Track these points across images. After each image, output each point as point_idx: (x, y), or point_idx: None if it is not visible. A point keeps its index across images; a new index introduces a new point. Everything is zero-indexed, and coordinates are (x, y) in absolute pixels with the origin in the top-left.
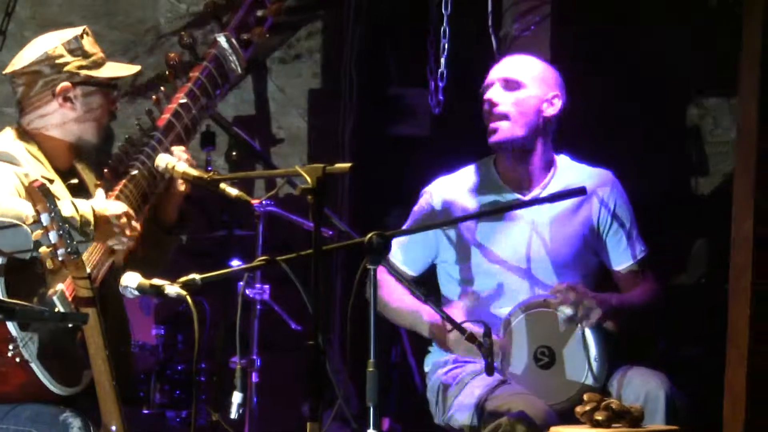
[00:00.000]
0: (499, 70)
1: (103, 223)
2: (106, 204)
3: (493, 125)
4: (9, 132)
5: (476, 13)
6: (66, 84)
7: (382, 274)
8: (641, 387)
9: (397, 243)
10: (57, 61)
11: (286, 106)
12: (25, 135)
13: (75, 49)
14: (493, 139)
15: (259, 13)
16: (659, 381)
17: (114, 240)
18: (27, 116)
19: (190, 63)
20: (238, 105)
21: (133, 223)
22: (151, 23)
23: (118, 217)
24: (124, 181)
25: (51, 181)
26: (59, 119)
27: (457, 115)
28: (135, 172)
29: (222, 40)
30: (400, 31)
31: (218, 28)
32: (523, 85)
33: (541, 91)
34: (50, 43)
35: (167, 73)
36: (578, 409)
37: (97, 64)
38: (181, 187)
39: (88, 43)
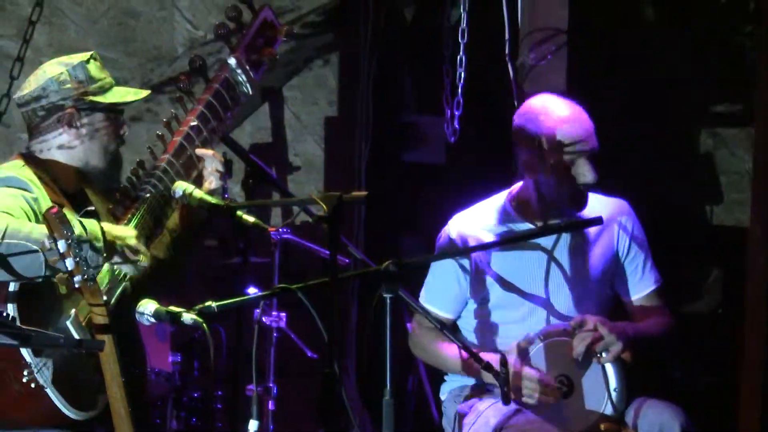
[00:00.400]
0: (587, 137)
1: (111, 246)
2: (113, 227)
3: (580, 198)
4: (17, 159)
5: (493, 42)
6: (70, 110)
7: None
8: (656, 418)
9: (425, 290)
10: (62, 87)
11: (302, 133)
12: (33, 160)
13: (80, 74)
14: (578, 209)
15: (269, 34)
16: (674, 413)
17: (125, 265)
18: (34, 141)
19: (200, 85)
20: (254, 132)
21: (140, 247)
22: (167, 50)
23: (125, 238)
24: (135, 205)
25: (61, 206)
26: (65, 145)
27: (472, 144)
28: (147, 195)
29: (232, 62)
30: (416, 59)
31: (228, 50)
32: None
33: None
34: (55, 69)
35: (177, 96)
36: None
37: (104, 89)
38: (182, 211)
39: (95, 68)
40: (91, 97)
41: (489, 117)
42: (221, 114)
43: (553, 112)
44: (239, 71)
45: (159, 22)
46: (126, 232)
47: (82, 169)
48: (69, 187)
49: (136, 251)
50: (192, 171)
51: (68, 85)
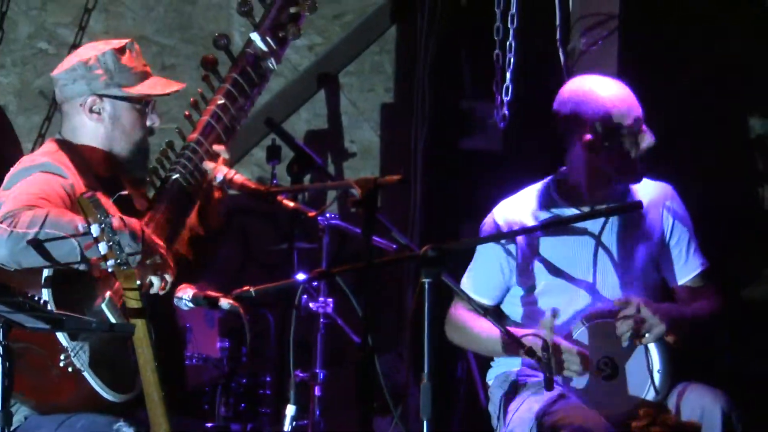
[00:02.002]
0: (633, 109)
1: (149, 244)
2: (151, 233)
3: (640, 169)
4: (51, 143)
5: (545, 26)
6: (93, 97)
7: (460, 312)
8: (697, 402)
9: (467, 278)
10: (88, 73)
11: (359, 120)
12: (66, 145)
13: (109, 62)
14: (638, 180)
15: (293, 9)
16: (716, 397)
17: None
18: (65, 125)
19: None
20: (311, 119)
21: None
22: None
23: (158, 247)
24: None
25: (94, 191)
26: (91, 130)
27: (527, 130)
28: (176, 176)
29: (257, 38)
30: (473, 44)
31: (252, 27)
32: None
33: None
34: (87, 53)
35: (203, 75)
36: (633, 424)
37: (134, 79)
38: (216, 193)
39: (128, 57)
40: (114, 88)
41: (543, 102)
42: (248, 91)
43: (601, 93)
44: (265, 48)
45: (216, 9)
46: (161, 243)
47: (109, 153)
48: (101, 172)
49: (165, 265)
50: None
51: (95, 72)
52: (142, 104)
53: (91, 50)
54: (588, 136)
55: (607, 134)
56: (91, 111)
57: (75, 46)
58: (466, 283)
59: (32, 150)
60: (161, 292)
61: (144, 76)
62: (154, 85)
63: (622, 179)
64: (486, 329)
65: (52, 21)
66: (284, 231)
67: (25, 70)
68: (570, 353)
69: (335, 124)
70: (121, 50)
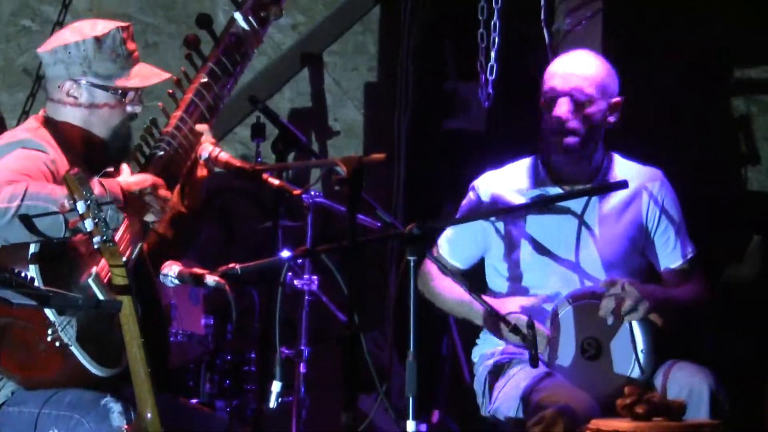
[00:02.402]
0: (566, 81)
1: (133, 199)
2: (130, 179)
3: (564, 142)
4: (33, 120)
5: (529, 7)
6: (70, 82)
7: (433, 267)
8: (685, 381)
9: (444, 237)
10: (68, 58)
11: (342, 99)
12: (49, 122)
13: (89, 51)
14: (561, 153)
15: None
16: (703, 375)
17: (148, 214)
18: (48, 103)
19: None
20: (294, 98)
21: (162, 192)
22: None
23: (146, 188)
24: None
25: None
26: (68, 111)
27: (511, 110)
28: (160, 153)
29: (239, 18)
30: (457, 25)
31: (235, 6)
32: (592, 100)
33: (606, 102)
34: (71, 37)
35: (186, 53)
36: (619, 401)
37: (116, 68)
38: (202, 171)
39: (111, 44)
40: (91, 76)
41: (526, 83)
42: (231, 70)
43: (559, 59)
44: (247, 27)
45: None
46: (143, 179)
47: (88, 133)
48: (84, 151)
49: (160, 196)
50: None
51: (73, 58)
52: (121, 93)
53: (75, 34)
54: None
55: (541, 94)
56: (68, 95)
57: (59, 23)
58: (443, 245)
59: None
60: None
61: (127, 65)
62: (135, 76)
63: (549, 150)
64: (459, 293)
65: None
66: (267, 209)
67: (9, 47)
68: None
69: (319, 102)
70: (103, 38)
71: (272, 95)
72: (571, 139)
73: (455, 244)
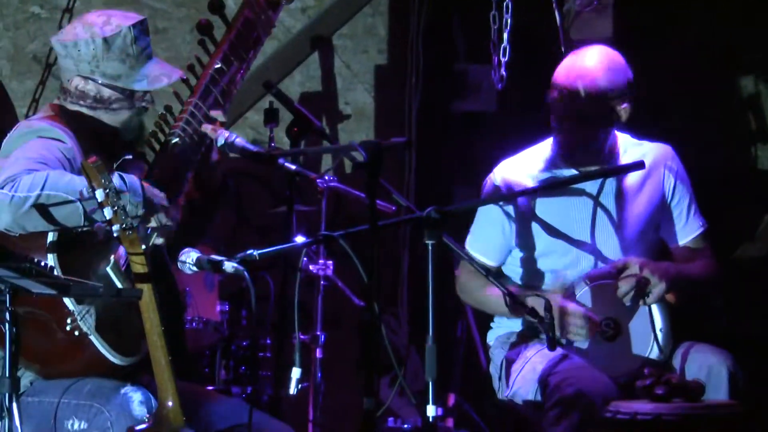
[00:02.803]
0: (573, 82)
1: (149, 200)
2: (150, 186)
3: (571, 155)
4: (49, 108)
5: None
6: (78, 77)
7: (469, 274)
8: (704, 362)
9: (470, 240)
10: (78, 54)
11: (353, 82)
12: (63, 111)
13: (98, 50)
14: (569, 152)
15: None
16: (722, 357)
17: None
18: (62, 91)
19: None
20: (305, 81)
21: (171, 213)
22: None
23: (161, 202)
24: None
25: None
26: (81, 102)
27: (522, 91)
28: (176, 140)
29: (251, 2)
30: (467, 6)
31: None
32: (606, 99)
33: (620, 100)
34: (84, 33)
35: (199, 39)
36: (638, 383)
37: (125, 68)
38: (216, 156)
39: (121, 44)
40: (99, 76)
41: (537, 64)
42: (243, 55)
43: (571, 57)
44: (258, 11)
45: None
46: (163, 196)
47: (100, 123)
48: (98, 140)
49: (168, 214)
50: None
51: (83, 55)
52: (129, 92)
53: (86, 30)
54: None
55: (550, 93)
56: (77, 89)
57: (68, 9)
58: (471, 244)
59: (26, 114)
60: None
61: (137, 64)
62: (144, 77)
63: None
64: (496, 292)
65: None
66: (277, 194)
67: (18, 34)
68: (576, 316)
69: (329, 86)
70: (113, 38)
71: (282, 79)
72: (574, 143)
73: (483, 241)
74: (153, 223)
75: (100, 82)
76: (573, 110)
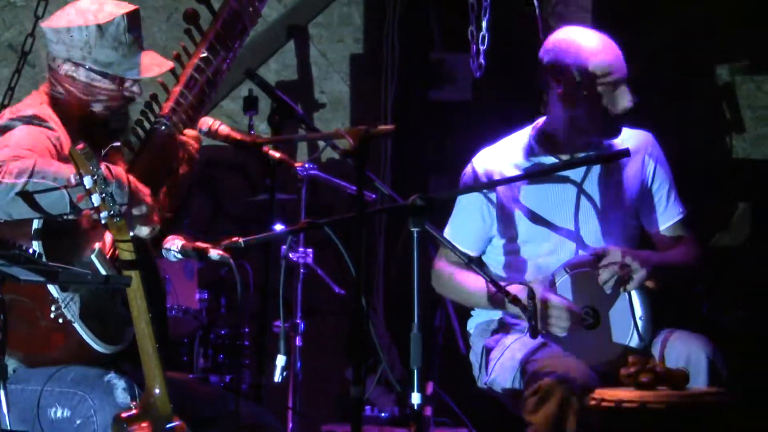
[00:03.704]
0: (622, 67)
1: (134, 192)
2: (137, 181)
3: (617, 126)
4: (36, 95)
5: None
6: (69, 62)
7: (444, 264)
8: (683, 349)
9: (449, 229)
10: (71, 41)
11: (329, 71)
12: (51, 98)
13: (91, 37)
14: (610, 137)
15: None
16: (701, 344)
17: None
18: (49, 78)
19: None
20: (280, 70)
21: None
22: None
23: (145, 199)
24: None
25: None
26: (70, 89)
27: (498, 80)
28: (162, 128)
29: None
30: None
31: None
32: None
33: None
34: (76, 19)
35: (185, 28)
36: (623, 371)
37: (117, 56)
38: (196, 145)
39: (114, 33)
40: (90, 62)
41: (514, 53)
42: (229, 44)
43: (583, 43)
44: (245, 2)
45: None
46: (148, 191)
47: (87, 110)
48: (84, 127)
49: (152, 212)
50: (205, 103)
51: (75, 41)
52: (119, 80)
53: (79, 16)
54: (564, 85)
55: (585, 84)
56: (66, 75)
57: None
58: (449, 234)
59: (2, 103)
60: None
61: (130, 53)
62: (135, 66)
63: (599, 134)
64: (472, 282)
65: None
66: (254, 182)
67: None
68: (559, 309)
69: (305, 75)
70: (106, 25)
71: (258, 67)
72: (620, 125)
73: (462, 230)
74: (136, 212)
75: (89, 68)
76: (621, 77)
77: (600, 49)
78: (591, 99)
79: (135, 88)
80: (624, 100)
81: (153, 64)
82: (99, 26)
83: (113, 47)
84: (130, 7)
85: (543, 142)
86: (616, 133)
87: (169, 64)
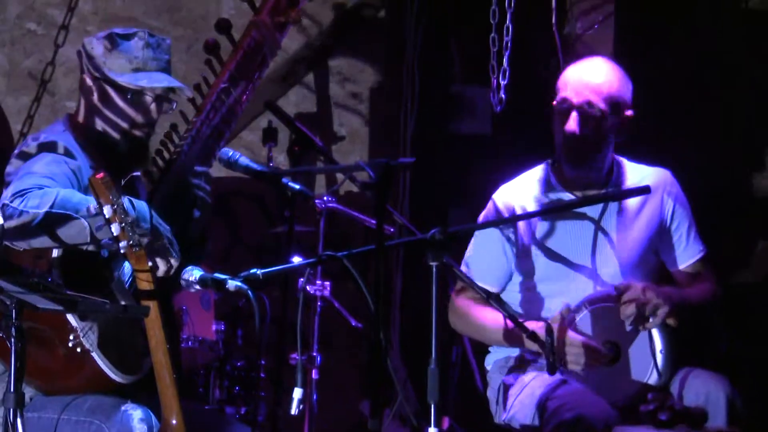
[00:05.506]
0: (578, 94)
1: (155, 225)
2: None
3: (574, 155)
4: (61, 122)
5: (540, 10)
6: (87, 76)
7: (463, 300)
8: (702, 388)
9: (469, 263)
10: (87, 53)
11: (348, 103)
12: (73, 124)
13: (97, 49)
14: (571, 165)
15: None
16: (719, 383)
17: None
18: (76, 103)
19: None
20: (300, 102)
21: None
22: (213, 20)
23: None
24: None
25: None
26: (85, 107)
27: (518, 114)
28: (182, 158)
29: (257, 23)
30: (463, 28)
31: (252, 11)
32: (603, 115)
33: (618, 117)
34: (101, 32)
35: (206, 59)
36: (642, 407)
37: (131, 70)
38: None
39: (131, 47)
40: (106, 71)
41: (535, 86)
42: (250, 75)
43: (574, 66)
44: (265, 32)
45: None
46: (167, 228)
47: (105, 135)
48: (104, 155)
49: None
50: (225, 133)
51: (94, 52)
52: (133, 94)
53: (104, 31)
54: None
55: (555, 104)
56: (83, 89)
57: (64, 26)
58: (468, 269)
59: (21, 131)
60: (165, 275)
61: (144, 68)
62: (146, 77)
63: (564, 160)
64: (491, 319)
65: (41, 1)
66: (272, 214)
67: (14, 50)
68: (576, 346)
69: (324, 107)
70: (125, 36)
71: (277, 99)
72: (580, 153)
73: (482, 266)
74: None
75: (107, 79)
76: (585, 115)
77: (582, 73)
78: (555, 121)
79: (154, 111)
80: (569, 123)
81: (165, 80)
82: (117, 35)
83: (128, 59)
84: (162, 37)
85: (560, 177)
86: (576, 160)
87: (188, 90)
